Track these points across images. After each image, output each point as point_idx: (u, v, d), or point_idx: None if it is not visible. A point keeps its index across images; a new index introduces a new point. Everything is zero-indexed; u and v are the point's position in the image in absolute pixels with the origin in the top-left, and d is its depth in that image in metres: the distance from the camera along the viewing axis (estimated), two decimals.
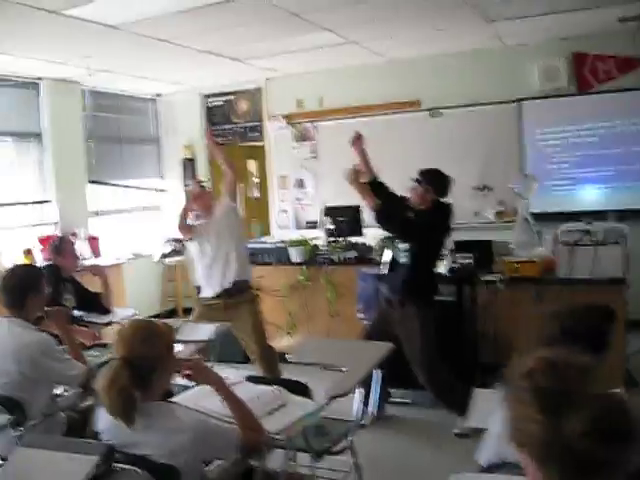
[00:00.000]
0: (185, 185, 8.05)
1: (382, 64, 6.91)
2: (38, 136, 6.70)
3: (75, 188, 6.99)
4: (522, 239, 4.81)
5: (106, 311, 4.53)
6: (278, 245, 5.97)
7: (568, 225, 4.49)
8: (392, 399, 4.61)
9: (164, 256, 7.98)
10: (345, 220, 5.88)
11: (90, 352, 3.35)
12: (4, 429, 2.71)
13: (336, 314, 5.58)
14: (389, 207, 4.07)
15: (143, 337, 2.05)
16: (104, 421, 2.10)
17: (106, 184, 7.59)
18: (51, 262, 4.54)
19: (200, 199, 4.61)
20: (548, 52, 6.35)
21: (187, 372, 2.25)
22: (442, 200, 4.13)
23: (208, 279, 4.57)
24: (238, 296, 4.53)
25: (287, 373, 4.03)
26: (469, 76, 6.64)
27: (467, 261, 4.80)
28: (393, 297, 4.19)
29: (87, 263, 5.87)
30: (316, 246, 5.90)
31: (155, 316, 6.69)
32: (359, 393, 3.00)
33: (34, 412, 2.82)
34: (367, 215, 5.79)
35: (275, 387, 2.66)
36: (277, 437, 2.32)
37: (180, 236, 7.75)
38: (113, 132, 7.71)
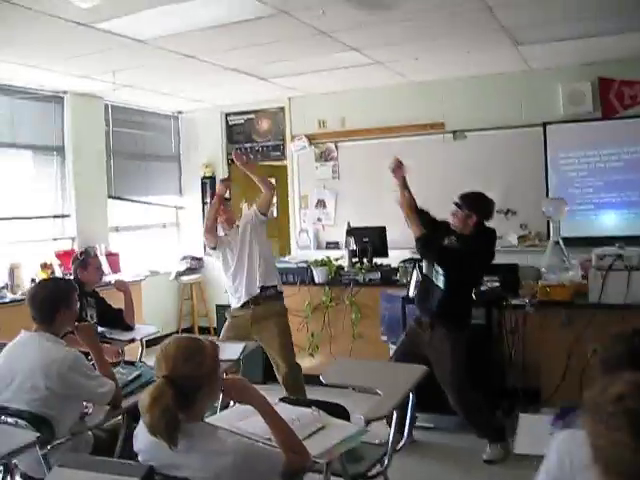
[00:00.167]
0: (204, 203, 8.03)
1: (406, 85, 6.89)
2: (60, 150, 6.69)
3: (95, 203, 6.96)
4: (553, 262, 4.74)
5: (128, 328, 4.47)
6: (300, 265, 5.91)
7: (603, 249, 4.41)
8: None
9: (179, 274, 7.93)
10: (369, 241, 5.81)
11: (117, 369, 3.27)
12: (30, 447, 2.61)
13: (359, 336, 5.50)
14: (430, 235, 4.02)
15: (187, 355, 1.97)
16: (144, 440, 2.01)
17: (125, 200, 7.57)
18: (73, 276, 4.48)
19: (223, 213, 4.62)
20: (574, 76, 6.30)
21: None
22: (486, 225, 4.05)
23: (234, 289, 4.54)
24: (266, 305, 4.46)
25: (314, 395, 3.93)
26: (493, 99, 6.60)
27: (495, 284, 4.76)
28: (424, 319, 4.12)
29: (109, 279, 5.80)
30: (340, 267, 5.85)
31: (171, 334, 6.61)
32: (395, 417, 2.92)
33: (62, 430, 2.74)
34: (394, 236, 5.79)
35: (314, 408, 2.57)
36: (319, 461, 2.23)
37: (197, 254, 7.88)
38: (134, 148, 7.71)
